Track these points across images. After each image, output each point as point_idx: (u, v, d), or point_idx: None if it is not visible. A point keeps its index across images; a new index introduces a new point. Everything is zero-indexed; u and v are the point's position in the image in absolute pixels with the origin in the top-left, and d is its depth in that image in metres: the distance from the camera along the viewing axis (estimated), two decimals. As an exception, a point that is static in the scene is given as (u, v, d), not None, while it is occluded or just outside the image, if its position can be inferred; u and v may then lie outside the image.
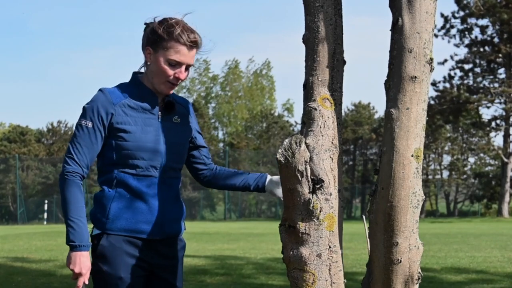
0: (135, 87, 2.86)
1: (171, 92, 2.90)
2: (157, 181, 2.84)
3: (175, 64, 2.81)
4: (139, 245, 2.82)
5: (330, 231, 2.46)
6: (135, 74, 2.93)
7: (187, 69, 2.85)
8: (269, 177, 3.10)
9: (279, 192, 3.01)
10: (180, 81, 2.85)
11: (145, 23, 2.90)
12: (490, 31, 38.11)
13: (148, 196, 2.82)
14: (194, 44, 2.82)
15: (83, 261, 2.71)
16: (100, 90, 2.82)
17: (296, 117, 60.22)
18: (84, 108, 2.81)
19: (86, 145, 2.77)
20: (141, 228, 2.81)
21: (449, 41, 39.49)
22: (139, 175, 2.81)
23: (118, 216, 2.79)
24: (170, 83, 2.83)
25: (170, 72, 2.81)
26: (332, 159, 2.49)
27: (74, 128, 2.87)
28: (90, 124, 2.76)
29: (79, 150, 2.76)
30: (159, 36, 2.80)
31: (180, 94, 55.22)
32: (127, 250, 2.80)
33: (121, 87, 2.87)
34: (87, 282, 2.74)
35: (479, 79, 38.65)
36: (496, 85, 38.38)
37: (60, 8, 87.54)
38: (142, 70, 2.94)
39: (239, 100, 58.65)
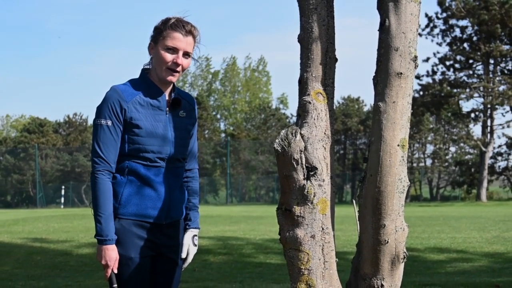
0: (144, 84, 2.84)
1: (175, 80, 2.85)
2: (164, 170, 2.85)
3: (172, 50, 2.79)
4: (147, 227, 2.83)
5: (323, 214, 2.47)
6: (143, 70, 2.91)
7: (185, 56, 2.83)
8: (191, 231, 3.05)
9: (184, 249, 3.03)
10: (179, 67, 2.81)
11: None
12: (469, 31, 38.00)
13: (156, 184, 2.82)
14: (188, 31, 2.81)
15: (109, 254, 2.72)
16: (112, 88, 2.79)
17: (291, 110, 60.18)
18: (100, 107, 2.78)
19: (110, 143, 2.75)
20: (149, 213, 2.82)
21: (432, 40, 39.35)
22: (148, 165, 2.81)
23: (129, 201, 2.79)
24: (170, 70, 2.81)
25: (169, 58, 2.79)
26: (325, 148, 2.50)
27: (92, 126, 2.83)
28: (109, 123, 2.74)
29: (105, 149, 2.75)
30: (157, 28, 2.83)
31: (184, 89, 55.30)
32: (136, 233, 2.80)
33: (132, 84, 2.84)
34: (115, 271, 2.75)
35: (460, 74, 38.58)
36: (475, 80, 38.31)
37: (75, 10, 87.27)
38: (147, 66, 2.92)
39: (238, 95, 58.55)
